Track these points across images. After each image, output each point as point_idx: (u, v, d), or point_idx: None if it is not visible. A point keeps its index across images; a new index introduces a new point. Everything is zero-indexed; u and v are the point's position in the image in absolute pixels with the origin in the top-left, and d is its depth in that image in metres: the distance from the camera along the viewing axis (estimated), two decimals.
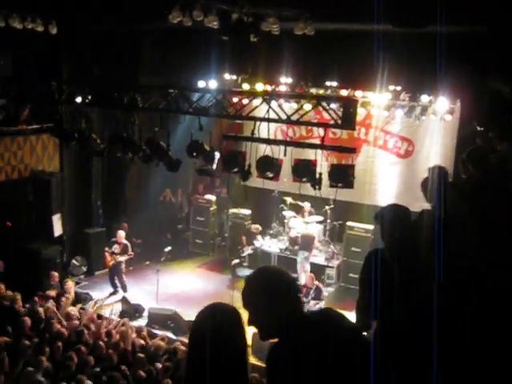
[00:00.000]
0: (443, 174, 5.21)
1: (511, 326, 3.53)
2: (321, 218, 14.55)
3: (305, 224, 14.42)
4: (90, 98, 10.27)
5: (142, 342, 10.11)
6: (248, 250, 14.23)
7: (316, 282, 12.09)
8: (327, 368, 2.72)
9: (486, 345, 3.54)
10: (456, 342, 3.39)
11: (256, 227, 14.69)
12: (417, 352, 3.49)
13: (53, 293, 12.03)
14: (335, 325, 2.93)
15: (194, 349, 2.53)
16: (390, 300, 3.60)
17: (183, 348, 9.80)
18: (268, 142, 8.92)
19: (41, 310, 10.70)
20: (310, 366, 2.72)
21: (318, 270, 13.27)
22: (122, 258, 13.16)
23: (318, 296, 11.77)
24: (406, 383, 3.47)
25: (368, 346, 3.07)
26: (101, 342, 9.49)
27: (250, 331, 2.75)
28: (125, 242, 13.26)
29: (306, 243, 13.47)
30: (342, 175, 8.77)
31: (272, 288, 2.82)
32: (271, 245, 14.66)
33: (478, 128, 11.92)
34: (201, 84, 13.02)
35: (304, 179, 8.89)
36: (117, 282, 13.28)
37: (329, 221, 14.58)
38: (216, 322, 2.52)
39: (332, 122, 8.57)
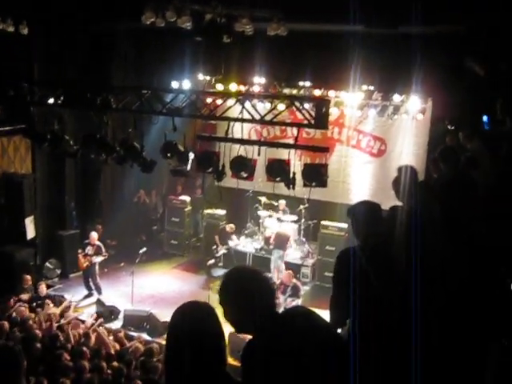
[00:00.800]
0: (414, 172, 5.29)
1: (477, 323, 3.61)
2: (295, 218, 14.63)
3: (279, 222, 14.49)
4: (62, 98, 10.17)
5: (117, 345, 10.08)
6: (222, 250, 14.23)
7: (294, 280, 12.14)
8: (301, 365, 2.76)
9: (454, 342, 3.62)
10: (428, 339, 3.45)
11: (231, 226, 14.70)
12: (393, 349, 3.55)
13: (26, 296, 11.92)
14: (309, 322, 2.99)
15: (171, 348, 2.56)
16: (364, 297, 3.66)
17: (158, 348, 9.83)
18: (242, 142, 8.95)
19: (14, 313, 10.64)
20: (284, 363, 2.76)
21: (293, 269, 13.29)
22: (96, 260, 13.04)
23: (295, 294, 11.81)
24: (382, 381, 3.52)
25: (343, 344, 3.12)
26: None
27: (227, 331, 2.77)
28: (98, 243, 13.15)
29: (281, 242, 13.53)
30: (316, 174, 8.84)
31: (246, 286, 2.89)
32: (246, 244, 14.69)
33: (449, 127, 12.12)
34: (174, 85, 12.99)
35: (278, 179, 8.94)
36: (91, 284, 13.18)
37: (303, 220, 14.66)
38: (189, 318, 2.57)
39: (305, 121, 8.64)
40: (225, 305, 2.91)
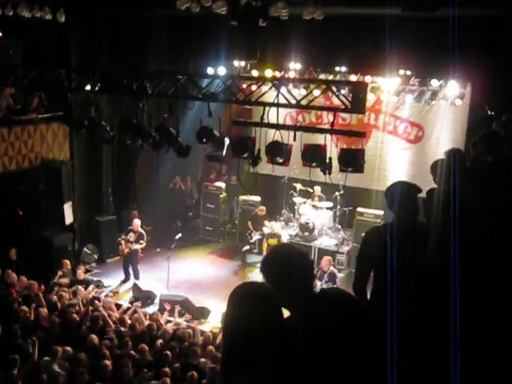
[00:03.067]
0: (457, 156, 5.17)
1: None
2: (331, 204, 14.54)
3: (314, 209, 14.42)
4: (99, 85, 10.25)
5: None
6: (256, 236, 14.20)
7: (332, 267, 12.10)
8: (336, 346, 2.73)
9: (493, 323, 3.53)
10: (467, 319, 3.38)
11: (261, 209, 14.53)
12: (431, 329, 3.49)
13: (64, 280, 12.12)
14: (345, 304, 2.97)
15: (230, 332, 2.52)
16: (398, 276, 3.64)
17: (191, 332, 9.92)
18: (277, 127, 8.88)
19: (55, 298, 10.83)
20: (319, 343, 2.73)
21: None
22: (137, 247, 13.19)
23: (331, 280, 11.77)
24: (419, 363, 3.46)
25: (379, 326, 3.09)
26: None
27: None
28: (140, 230, 13.29)
29: None
30: (352, 159, 8.75)
31: (287, 261, 2.89)
32: (281, 231, 14.62)
33: (490, 113, 11.86)
34: (209, 71, 12.99)
35: (314, 164, 8.86)
36: (130, 269, 13.33)
37: (339, 207, 14.56)
38: (248, 301, 2.52)
39: (342, 106, 8.55)
40: (265, 275, 2.94)
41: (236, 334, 2.42)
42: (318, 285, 11.37)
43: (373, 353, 2.84)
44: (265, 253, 13.20)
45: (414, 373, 3.17)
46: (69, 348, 8.47)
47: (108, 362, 8.03)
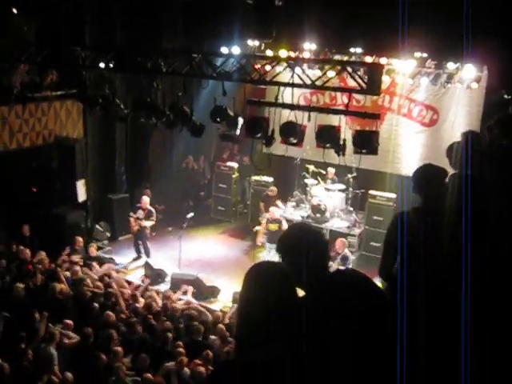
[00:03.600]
0: (473, 138, 5.12)
1: None
2: (343, 187, 14.51)
3: (327, 191, 14.40)
4: (113, 63, 10.23)
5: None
6: (267, 216, 14.21)
7: (346, 250, 12.16)
8: (348, 325, 2.74)
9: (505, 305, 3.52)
10: (478, 301, 3.37)
11: (271, 189, 14.47)
12: (442, 311, 3.49)
13: (77, 257, 12.22)
14: (359, 284, 2.97)
15: (245, 311, 2.51)
16: (415, 260, 3.62)
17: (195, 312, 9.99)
18: (292, 107, 8.84)
19: (68, 273, 10.94)
20: (331, 322, 2.74)
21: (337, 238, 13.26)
22: (147, 224, 13.25)
23: (344, 263, 11.82)
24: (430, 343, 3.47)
25: (392, 307, 3.09)
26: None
27: None
28: (149, 207, 13.34)
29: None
30: (367, 141, 8.71)
31: (303, 239, 2.91)
32: (293, 212, 14.66)
33: (506, 96, 11.73)
34: (224, 50, 12.91)
35: (328, 145, 8.84)
36: (141, 247, 13.42)
37: (351, 189, 14.52)
38: (264, 279, 2.51)
39: (357, 88, 8.48)
40: (281, 254, 2.95)
41: (251, 313, 2.42)
42: (332, 266, 11.41)
43: (389, 330, 2.85)
44: (260, 238, 13.28)
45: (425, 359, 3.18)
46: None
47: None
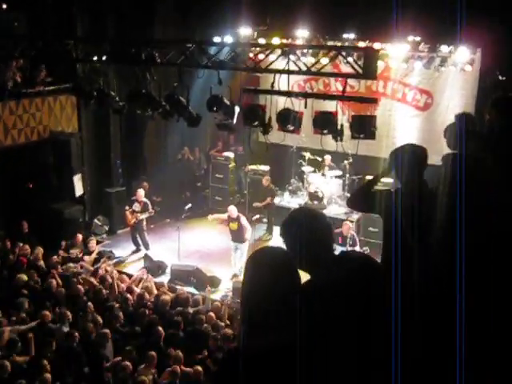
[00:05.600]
0: (467, 119, 5.10)
1: None
2: (340, 173, 14.53)
3: (323, 178, 14.41)
4: (106, 55, 10.18)
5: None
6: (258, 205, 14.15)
7: (351, 231, 12.38)
8: (354, 309, 2.75)
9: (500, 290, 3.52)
10: (472, 285, 3.38)
11: (266, 178, 14.37)
12: (436, 297, 3.51)
13: (76, 252, 12.22)
14: (365, 265, 2.98)
15: (249, 297, 2.51)
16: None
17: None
18: (289, 94, 8.83)
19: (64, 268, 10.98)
20: (337, 305, 2.75)
21: (338, 224, 13.29)
22: (143, 216, 13.24)
23: (354, 244, 12.19)
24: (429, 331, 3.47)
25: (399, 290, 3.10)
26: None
27: None
28: (144, 199, 13.33)
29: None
30: (364, 126, 8.70)
31: (307, 223, 2.88)
32: (290, 200, 14.68)
33: (500, 78, 11.75)
34: (216, 40, 12.86)
35: (325, 131, 8.83)
36: (139, 240, 13.42)
37: (348, 175, 14.54)
38: (268, 265, 2.51)
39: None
40: (284, 238, 2.92)
41: (255, 299, 2.42)
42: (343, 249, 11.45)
43: (388, 316, 2.86)
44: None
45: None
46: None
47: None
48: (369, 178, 4.77)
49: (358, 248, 12.08)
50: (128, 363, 7.48)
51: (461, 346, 3.01)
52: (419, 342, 3.16)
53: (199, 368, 7.55)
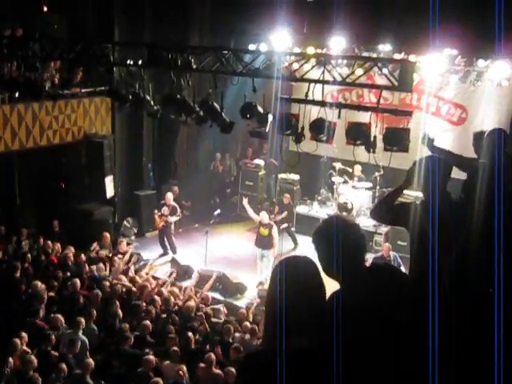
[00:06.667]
0: (503, 134, 5.03)
1: None
2: (370, 185, 14.44)
3: (353, 189, 14.34)
4: (143, 59, 10.29)
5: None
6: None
7: (392, 253, 12.00)
8: (381, 321, 2.74)
9: None
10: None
11: (287, 197, 14.28)
12: (472, 305, 3.47)
13: (104, 253, 12.34)
14: (395, 279, 2.97)
15: (273, 305, 2.52)
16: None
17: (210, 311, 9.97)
18: (323, 104, 8.81)
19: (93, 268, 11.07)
20: (364, 317, 2.73)
21: (366, 237, 13.19)
22: (171, 220, 13.33)
23: (398, 266, 11.51)
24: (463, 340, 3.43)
25: (425, 304, 3.07)
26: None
27: None
28: (173, 203, 13.42)
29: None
30: (398, 138, 8.63)
31: (343, 233, 2.86)
32: (319, 210, 14.63)
33: None
34: (251, 47, 12.92)
35: (358, 142, 8.78)
36: (166, 243, 13.50)
37: (378, 187, 14.45)
38: (293, 273, 2.52)
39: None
40: (316, 245, 2.92)
41: (280, 307, 2.42)
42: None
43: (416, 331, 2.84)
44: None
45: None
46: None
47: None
48: (391, 189, 4.79)
49: (403, 269, 11.71)
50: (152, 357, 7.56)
51: (499, 360, 2.97)
52: (459, 363, 3.13)
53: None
